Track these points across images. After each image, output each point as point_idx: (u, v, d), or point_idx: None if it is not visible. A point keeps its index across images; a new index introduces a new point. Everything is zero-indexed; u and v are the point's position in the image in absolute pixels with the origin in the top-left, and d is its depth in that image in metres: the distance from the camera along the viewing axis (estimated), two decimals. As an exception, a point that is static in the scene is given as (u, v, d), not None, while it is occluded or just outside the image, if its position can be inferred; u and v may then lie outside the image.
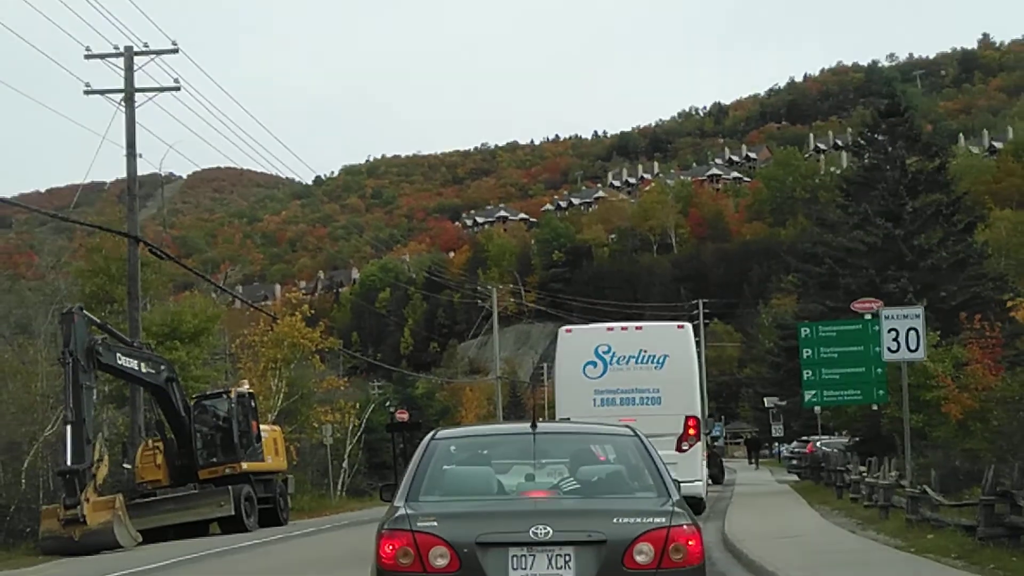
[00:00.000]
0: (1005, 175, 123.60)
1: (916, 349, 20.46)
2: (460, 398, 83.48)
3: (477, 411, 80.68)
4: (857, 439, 40.44)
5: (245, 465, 29.52)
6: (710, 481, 42.33)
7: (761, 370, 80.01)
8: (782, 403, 63.23)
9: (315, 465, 48.29)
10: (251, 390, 31.85)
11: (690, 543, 6.96)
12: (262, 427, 31.63)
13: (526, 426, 8.08)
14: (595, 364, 23.24)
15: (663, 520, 6.99)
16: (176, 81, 33.73)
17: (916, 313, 20.67)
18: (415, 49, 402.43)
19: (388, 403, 60.95)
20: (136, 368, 27.47)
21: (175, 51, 33.37)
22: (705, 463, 26.63)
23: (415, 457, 7.87)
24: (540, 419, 8.66)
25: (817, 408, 39.13)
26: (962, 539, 14.43)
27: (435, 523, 6.94)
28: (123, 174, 32.77)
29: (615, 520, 6.98)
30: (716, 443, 53.54)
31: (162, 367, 28.64)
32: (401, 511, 7.14)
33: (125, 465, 29.77)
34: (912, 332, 20.23)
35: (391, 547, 6.94)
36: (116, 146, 32.97)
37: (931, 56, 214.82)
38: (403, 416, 57.18)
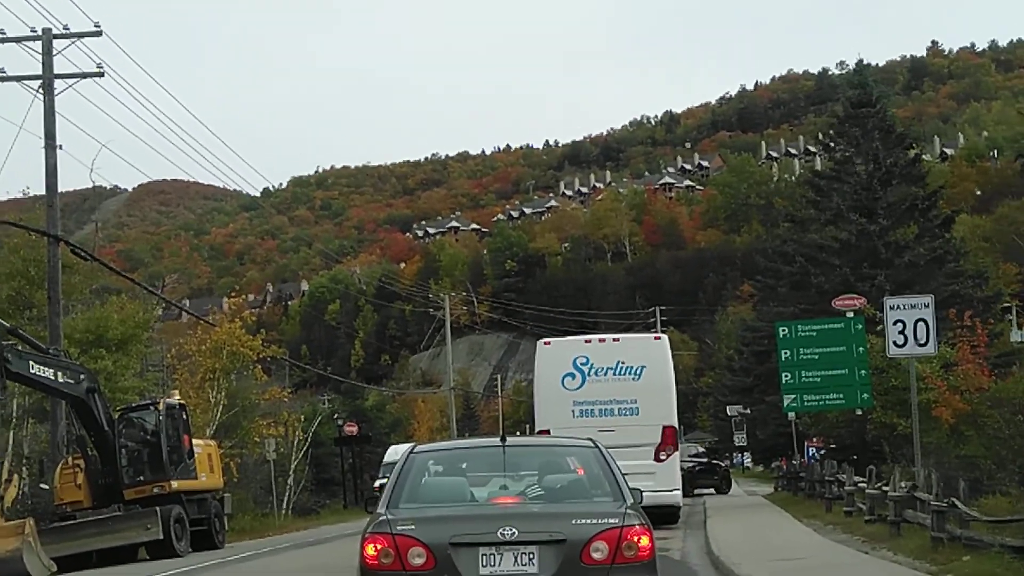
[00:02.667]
0: (959, 180, 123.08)
1: (926, 343, 18.29)
2: (412, 410, 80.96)
3: (430, 423, 78.18)
4: (832, 446, 38.37)
5: (175, 483, 26.82)
6: (712, 491, 40.80)
7: (721, 378, 78.25)
8: (745, 411, 61.22)
9: (258, 482, 45.56)
10: (182, 401, 29.12)
11: (641, 541, 7.69)
12: (196, 442, 28.91)
13: (496, 440, 8.86)
14: (573, 376, 23.54)
15: (616, 521, 7.74)
16: (99, 67, 31.04)
17: (925, 303, 18.50)
18: (364, 59, 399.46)
19: (336, 416, 58.19)
20: (52, 377, 24.70)
21: (98, 33, 30.70)
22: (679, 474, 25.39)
23: (395, 470, 8.62)
24: (520, 432, 8.40)
25: (791, 414, 36.92)
26: (1011, 562, 12.12)
27: (413, 526, 7.73)
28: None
29: (574, 522, 7.74)
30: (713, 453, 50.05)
31: (82, 376, 25.89)
32: (383, 517, 7.92)
33: (42, 485, 26.98)
34: (921, 324, 18.11)
35: (374, 548, 7.71)
36: (35, 136, 30.30)
37: (881, 64, 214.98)
38: (352, 429, 54.58)
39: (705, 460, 45.84)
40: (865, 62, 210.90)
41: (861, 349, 28.33)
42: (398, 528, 7.71)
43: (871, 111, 40.78)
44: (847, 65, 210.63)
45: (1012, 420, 25.45)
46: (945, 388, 27.53)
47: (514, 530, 7.59)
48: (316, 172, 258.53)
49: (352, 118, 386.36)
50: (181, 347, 42.39)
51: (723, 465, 46.54)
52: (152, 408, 27.61)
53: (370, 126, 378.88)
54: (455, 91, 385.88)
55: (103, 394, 27.34)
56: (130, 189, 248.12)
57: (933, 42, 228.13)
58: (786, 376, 29.05)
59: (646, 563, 7.69)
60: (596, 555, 7.61)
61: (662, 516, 22.51)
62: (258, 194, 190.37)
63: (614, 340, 25.05)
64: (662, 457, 23.24)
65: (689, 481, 43.06)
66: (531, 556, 7.60)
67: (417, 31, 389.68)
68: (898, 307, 18.51)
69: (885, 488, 18.52)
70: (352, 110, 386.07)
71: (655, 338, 26.13)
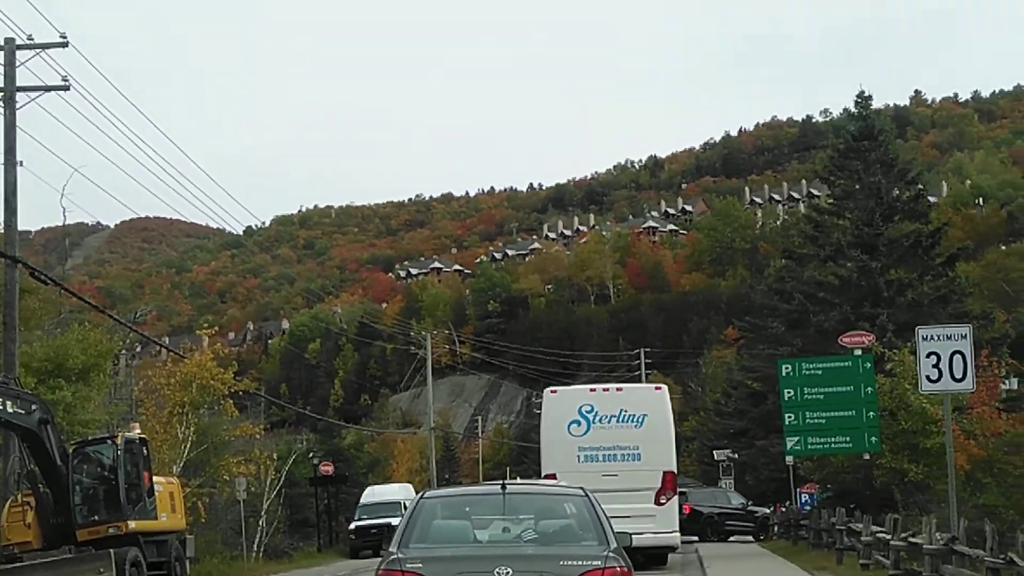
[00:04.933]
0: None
1: (963, 378, 16.56)
2: (391, 451, 78.84)
3: (409, 464, 76.06)
4: (828, 494, 36.56)
5: (133, 524, 24.81)
6: (750, 538, 39.83)
7: (707, 422, 76.52)
8: (733, 456, 59.43)
9: (229, 523, 43.42)
10: (143, 435, 27.13)
11: None
12: (157, 479, 26.96)
13: (497, 487, 9.80)
14: (579, 423, 24.71)
15: (599, 563, 8.73)
16: (65, 79, 29.36)
17: (963, 333, 16.83)
18: (348, 99, 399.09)
19: (312, 455, 56.03)
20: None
21: (64, 44, 29.02)
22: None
23: (407, 512, 9.72)
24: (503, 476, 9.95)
25: (789, 458, 35.12)
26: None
27: (420, 565, 8.80)
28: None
29: (562, 563, 8.76)
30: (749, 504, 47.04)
31: (34, 407, 23.93)
32: (394, 555, 9.01)
33: (-13, 524, 24.92)
34: (957, 357, 16.39)
35: None
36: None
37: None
38: (328, 469, 52.48)
39: (741, 506, 44.08)
40: (848, 111, 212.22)
41: (869, 389, 26.83)
42: (407, 566, 8.75)
43: (873, 144, 39.32)
44: (831, 113, 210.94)
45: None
46: (959, 432, 25.87)
47: (509, 570, 8.56)
48: (300, 211, 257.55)
49: (336, 158, 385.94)
50: (149, 380, 40.38)
51: (760, 512, 44.28)
52: (110, 442, 25.62)
53: (354, 166, 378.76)
54: (439, 133, 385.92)
55: (57, 426, 25.38)
56: (112, 226, 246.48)
57: (916, 91, 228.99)
58: (789, 417, 27.47)
59: None
60: None
61: (651, 558, 24.32)
62: (241, 232, 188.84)
63: (617, 390, 26.71)
64: (662, 501, 24.30)
65: (714, 528, 41.43)
66: None
67: (403, 73, 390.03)
68: (932, 338, 16.82)
69: (913, 539, 16.73)
70: (336, 150, 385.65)
71: (656, 388, 27.56)
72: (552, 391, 26.43)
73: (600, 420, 24.65)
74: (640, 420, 24.66)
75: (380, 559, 9.24)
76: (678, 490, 28.24)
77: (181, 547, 27.57)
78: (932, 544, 15.11)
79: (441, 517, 9.61)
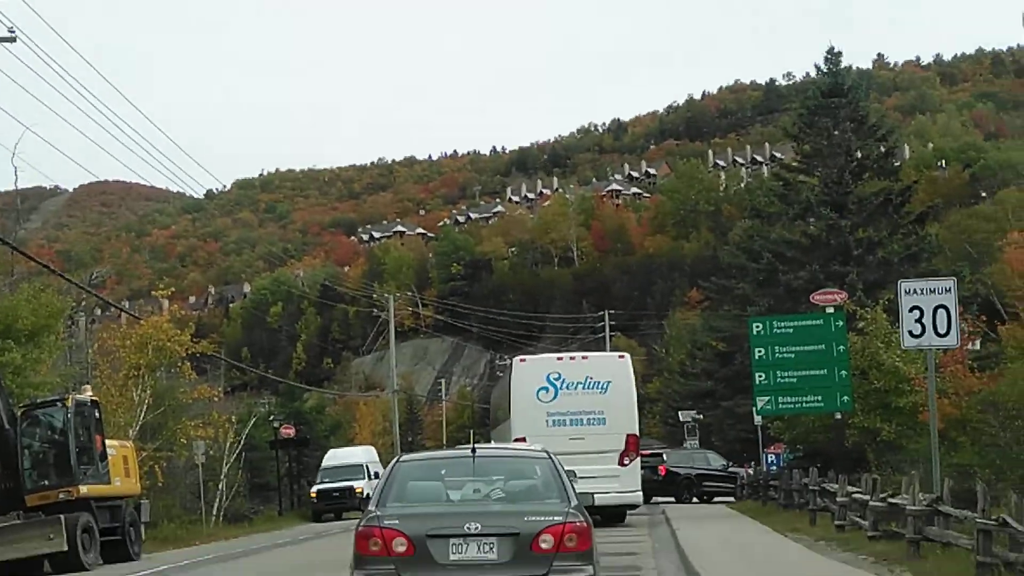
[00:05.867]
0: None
1: (947, 333, 15.98)
2: (354, 413, 78.11)
3: (372, 427, 75.34)
4: (798, 455, 36.20)
5: (84, 489, 24.00)
6: (731, 499, 39.77)
7: (672, 383, 76.36)
8: (699, 416, 59.19)
9: (188, 487, 42.61)
10: (95, 397, 26.24)
11: (580, 535, 9.68)
12: (110, 443, 26.12)
13: (468, 451, 10.72)
14: (547, 390, 26.07)
15: (560, 518, 9.71)
16: (11, 31, 28.26)
17: (947, 287, 16.21)
18: (311, 60, 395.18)
19: (273, 418, 55.17)
20: (-57, 369, 21.87)
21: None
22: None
23: (384, 474, 10.79)
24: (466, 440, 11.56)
25: (758, 419, 34.63)
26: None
27: (397, 521, 9.77)
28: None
29: (526, 518, 9.75)
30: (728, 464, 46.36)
31: (-21, 368, 23.08)
32: (373, 513, 10.00)
33: (-66, 490, 24.00)
34: (941, 311, 15.80)
35: (365, 538, 9.74)
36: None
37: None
38: (289, 432, 51.78)
39: (722, 467, 43.60)
40: (811, 75, 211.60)
41: (841, 348, 26.37)
42: (385, 522, 9.64)
43: (843, 101, 38.67)
44: (794, 76, 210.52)
45: (1010, 425, 23.43)
46: (932, 391, 25.37)
47: (478, 525, 9.48)
48: (261, 175, 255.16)
49: (298, 120, 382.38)
50: (104, 342, 39.35)
51: (740, 473, 43.89)
52: (60, 405, 24.72)
53: (316, 129, 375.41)
54: (402, 96, 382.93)
55: (5, 389, 24.48)
56: (71, 190, 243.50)
57: (879, 55, 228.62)
58: (759, 376, 26.97)
59: (583, 553, 9.56)
60: (543, 545, 9.47)
61: (609, 517, 25.61)
62: (201, 196, 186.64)
63: (583, 358, 28.12)
64: (625, 462, 25.85)
65: (691, 489, 40.78)
66: (491, 545, 9.49)
67: (366, 34, 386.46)
68: (915, 292, 16.20)
69: (893, 500, 16.19)
70: (298, 112, 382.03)
71: (619, 357, 28.96)
72: (521, 360, 28.04)
73: (567, 387, 25.91)
74: (605, 387, 25.96)
75: (359, 519, 10.17)
76: (657, 452, 29.35)
77: (136, 512, 26.79)
78: (915, 505, 14.53)
79: (416, 479, 10.46)
